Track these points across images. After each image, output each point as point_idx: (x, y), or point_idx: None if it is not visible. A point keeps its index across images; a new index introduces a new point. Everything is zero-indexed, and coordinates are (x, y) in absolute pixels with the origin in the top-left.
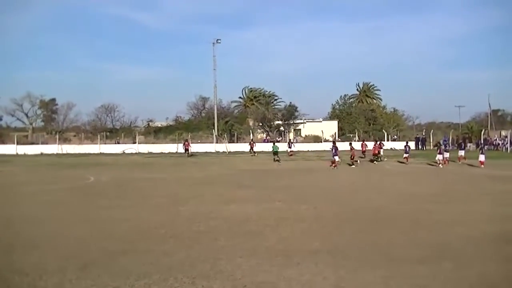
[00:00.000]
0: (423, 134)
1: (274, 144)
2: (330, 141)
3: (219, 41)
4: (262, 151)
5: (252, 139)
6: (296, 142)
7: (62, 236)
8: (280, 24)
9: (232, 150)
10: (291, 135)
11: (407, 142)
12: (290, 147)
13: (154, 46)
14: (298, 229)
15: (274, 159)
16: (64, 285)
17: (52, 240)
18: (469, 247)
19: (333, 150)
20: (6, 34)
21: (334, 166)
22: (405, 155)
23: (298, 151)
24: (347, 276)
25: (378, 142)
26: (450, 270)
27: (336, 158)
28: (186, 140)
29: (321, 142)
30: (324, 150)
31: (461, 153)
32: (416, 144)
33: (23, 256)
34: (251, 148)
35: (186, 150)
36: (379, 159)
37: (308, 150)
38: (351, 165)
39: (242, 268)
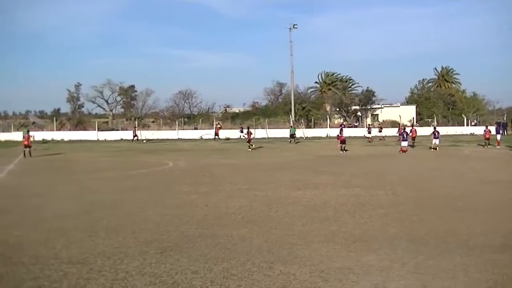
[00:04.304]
0: (504, 119)
1: (291, 127)
2: (408, 126)
3: (295, 26)
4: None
5: (218, 123)
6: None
7: (142, 221)
8: (354, 9)
9: (309, 136)
10: (369, 120)
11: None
12: (369, 132)
13: (230, 33)
14: (376, 215)
15: (290, 141)
16: (144, 269)
17: (132, 225)
18: None
19: (403, 135)
20: (85, 23)
21: (403, 151)
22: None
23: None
24: (426, 262)
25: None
26: None
27: (405, 143)
28: (218, 124)
29: (399, 127)
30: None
31: None
32: (497, 129)
33: (104, 240)
34: (216, 134)
35: (216, 134)
36: (489, 144)
37: (385, 135)
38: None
39: (320, 253)
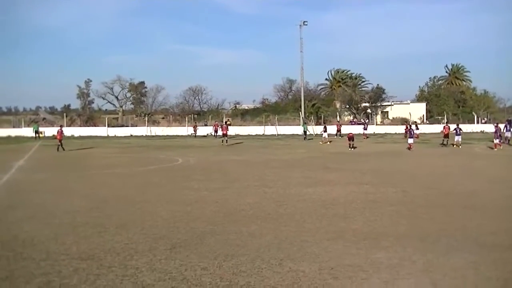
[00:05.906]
0: None
1: (305, 124)
2: (418, 124)
3: (305, 23)
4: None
5: (228, 119)
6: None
7: (152, 217)
8: (365, 6)
9: (319, 133)
10: (379, 118)
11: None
12: (365, 129)
13: (241, 30)
14: (386, 213)
15: (304, 138)
16: (154, 265)
17: (142, 221)
18: None
19: (410, 132)
20: (96, 20)
21: (409, 148)
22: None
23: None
24: (436, 260)
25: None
26: None
27: (411, 140)
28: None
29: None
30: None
31: None
32: (506, 127)
33: (114, 236)
34: (194, 131)
35: (195, 131)
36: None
37: (395, 133)
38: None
39: (329, 250)
